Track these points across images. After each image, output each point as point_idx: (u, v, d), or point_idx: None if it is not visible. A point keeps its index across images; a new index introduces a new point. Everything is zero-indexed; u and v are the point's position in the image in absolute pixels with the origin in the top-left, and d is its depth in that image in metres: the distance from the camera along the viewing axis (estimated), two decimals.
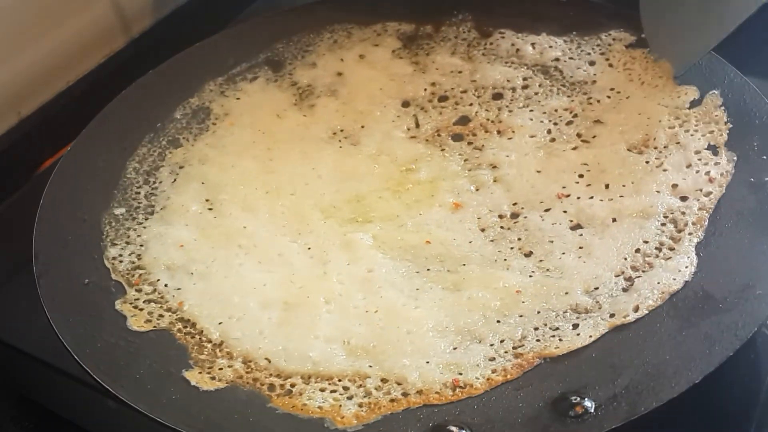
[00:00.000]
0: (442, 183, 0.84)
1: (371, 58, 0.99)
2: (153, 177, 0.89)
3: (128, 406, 0.65)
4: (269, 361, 0.70)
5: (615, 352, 0.66)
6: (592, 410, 0.62)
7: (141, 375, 0.69)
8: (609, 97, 0.89)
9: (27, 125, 1.03)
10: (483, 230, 0.79)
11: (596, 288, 0.72)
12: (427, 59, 0.98)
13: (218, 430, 0.65)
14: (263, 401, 0.67)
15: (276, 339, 0.72)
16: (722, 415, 0.70)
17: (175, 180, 0.88)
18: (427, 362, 0.68)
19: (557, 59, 0.94)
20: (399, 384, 0.67)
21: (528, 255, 0.76)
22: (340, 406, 0.66)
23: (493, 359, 0.68)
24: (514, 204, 0.81)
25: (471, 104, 0.92)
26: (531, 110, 0.90)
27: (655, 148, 0.82)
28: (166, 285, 0.78)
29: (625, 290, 0.71)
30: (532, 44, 0.96)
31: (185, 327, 0.74)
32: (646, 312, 0.69)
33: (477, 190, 0.83)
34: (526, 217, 0.79)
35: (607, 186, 0.80)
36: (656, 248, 0.74)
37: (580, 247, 0.75)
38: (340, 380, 0.68)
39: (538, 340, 0.69)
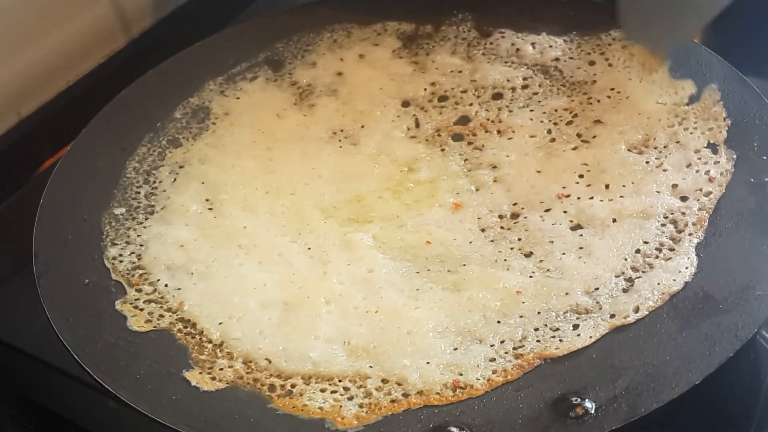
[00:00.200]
0: (442, 183, 0.84)
1: (371, 58, 0.99)
2: (153, 177, 0.89)
3: (128, 407, 0.66)
4: (270, 362, 0.70)
5: (615, 352, 0.66)
6: (593, 411, 0.62)
7: (141, 375, 0.69)
8: (609, 97, 0.89)
9: (27, 125, 1.03)
10: (483, 230, 0.79)
11: (596, 288, 0.72)
12: (427, 59, 0.98)
13: (218, 431, 0.65)
14: (264, 402, 0.67)
15: (276, 339, 0.72)
16: (722, 415, 0.70)
17: (175, 180, 0.88)
18: (428, 363, 0.68)
19: (557, 59, 0.94)
20: (399, 384, 0.67)
21: (528, 255, 0.76)
22: (341, 406, 0.66)
23: (493, 360, 0.68)
24: (514, 204, 0.81)
25: (471, 104, 0.92)
26: (531, 110, 0.90)
27: (655, 147, 0.82)
28: (166, 285, 0.78)
29: (625, 291, 0.71)
30: (532, 44, 0.96)
31: (185, 327, 0.74)
32: (647, 313, 0.69)
33: (477, 190, 0.83)
34: (526, 218, 0.79)
35: (607, 186, 0.80)
36: (656, 249, 0.74)
37: (581, 248, 0.75)
38: (340, 381, 0.68)
39: (538, 341, 0.69)
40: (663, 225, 0.75)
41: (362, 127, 0.92)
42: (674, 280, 0.70)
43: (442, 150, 0.88)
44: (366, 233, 0.80)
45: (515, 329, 0.70)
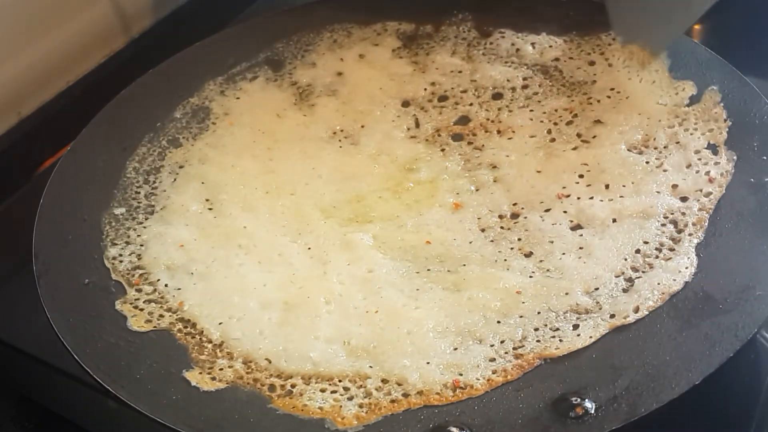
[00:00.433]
0: (442, 183, 0.84)
1: (371, 58, 0.99)
2: (153, 177, 0.89)
3: (128, 407, 0.65)
4: (270, 362, 0.70)
5: (615, 352, 0.66)
6: (593, 411, 0.62)
7: (141, 375, 0.69)
8: (609, 97, 0.89)
9: (27, 125, 1.03)
10: (483, 230, 0.79)
11: (596, 288, 0.72)
12: (427, 59, 0.98)
13: (218, 431, 0.65)
14: (264, 402, 0.67)
15: (276, 339, 0.72)
16: (722, 415, 0.70)
17: (175, 180, 0.88)
18: (428, 363, 0.68)
19: (557, 59, 0.94)
20: (399, 384, 0.67)
21: (528, 255, 0.76)
22: (341, 406, 0.66)
23: (493, 360, 0.68)
24: (514, 204, 0.81)
25: (471, 104, 0.92)
26: (531, 110, 0.90)
27: (655, 148, 0.82)
28: (166, 285, 0.78)
29: (625, 291, 0.71)
30: (532, 44, 0.96)
31: (185, 327, 0.74)
32: (647, 313, 0.69)
33: (477, 190, 0.83)
34: (526, 218, 0.79)
35: (607, 186, 0.80)
36: (656, 249, 0.74)
37: (580, 248, 0.75)
38: (340, 381, 0.68)
39: (538, 341, 0.69)
40: (663, 225, 0.75)
41: (362, 127, 0.92)
42: (674, 280, 0.70)
43: (442, 150, 0.88)
44: (366, 233, 0.80)
45: (515, 329, 0.70)
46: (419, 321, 0.71)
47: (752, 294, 0.67)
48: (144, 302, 0.76)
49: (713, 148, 0.80)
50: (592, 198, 0.79)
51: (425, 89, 0.95)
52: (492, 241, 0.78)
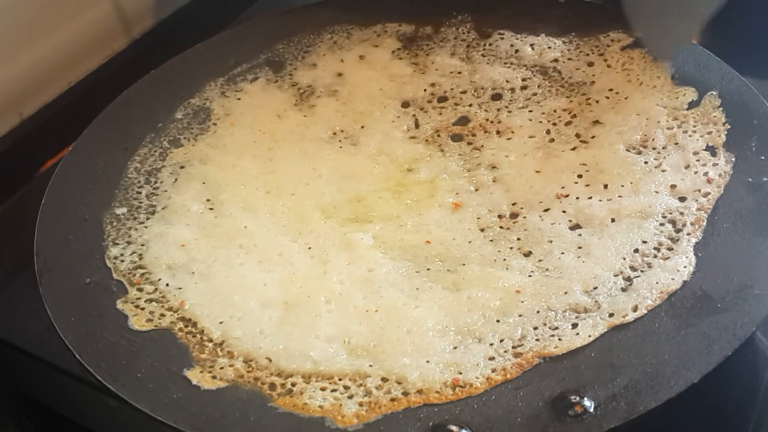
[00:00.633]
0: (442, 183, 0.85)
1: (371, 59, 1.00)
2: (154, 177, 0.89)
3: (129, 405, 0.66)
4: (270, 361, 0.70)
5: (614, 351, 0.67)
6: (592, 410, 0.62)
7: (142, 374, 0.69)
8: (608, 97, 0.89)
9: (29, 125, 1.04)
10: (482, 230, 0.79)
11: (595, 288, 0.72)
12: (426, 60, 0.98)
13: (219, 429, 0.65)
14: (264, 400, 0.68)
15: (277, 338, 0.72)
16: (721, 414, 0.70)
17: (176, 180, 0.89)
18: (427, 361, 0.68)
19: (556, 60, 0.95)
20: (399, 383, 0.67)
21: (527, 255, 0.76)
22: (341, 405, 0.66)
23: (492, 359, 0.68)
24: (514, 204, 0.81)
25: (470, 105, 0.92)
26: (530, 111, 0.90)
27: (654, 148, 0.82)
28: (167, 284, 0.78)
29: (624, 290, 0.71)
30: (531, 45, 0.97)
31: (186, 326, 0.74)
32: (645, 312, 0.69)
33: (476, 190, 0.83)
34: (525, 217, 0.79)
35: (605, 186, 0.80)
36: (655, 248, 0.74)
37: (579, 247, 0.75)
38: (340, 379, 0.68)
39: (537, 340, 0.69)
40: (661, 225, 0.76)
41: (362, 127, 0.92)
42: (673, 279, 0.71)
43: (442, 150, 0.88)
44: (366, 233, 0.80)
45: (514, 328, 0.70)
46: (419, 320, 0.72)
47: (750, 293, 0.67)
48: (145, 301, 0.76)
49: (712, 150, 0.80)
50: (590, 198, 0.79)
51: (425, 90, 0.95)
52: (491, 240, 0.78)
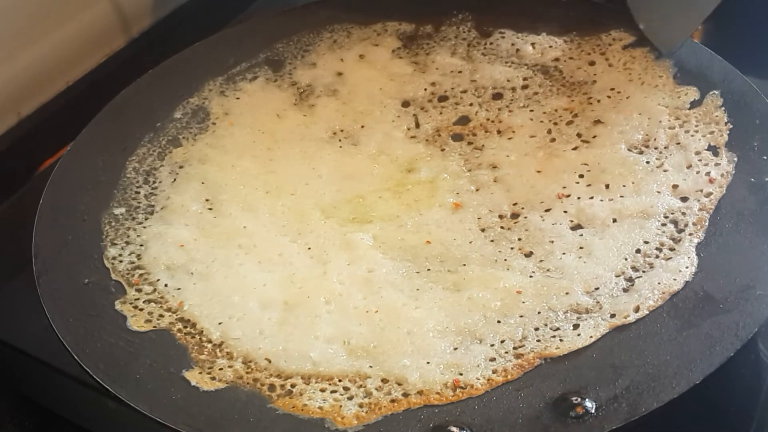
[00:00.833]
0: (442, 183, 0.84)
1: (371, 58, 0.99)
2: (153, 177, 0.89)
3: (128, 406, 0.66)
4: (269, 362, 0.70)
5: (615, 352, 0.66)
6: (593, 411, 0.62)
7: (141, 375, 0.69)
8: (609, 97, 0.89)
9: (27, 125, 1.03)
10: (483, 230, 0.79)
11: (597, 288, 0.72)
12: (427, 59, 0.98)
13: (218, 431, 0.65)
14: (263, 401, 0.67)
15: (276, 339, 0.71)
16: (723, 415, 0.70)
17: (175, 180, 0.88)
18: (428, 362, 0.68)
19: (557, 59, 0.94)
20: (399, 384, 0.67)
21: (528, 255, 0.76)
22: (341, 406, 0.66)
23: (493, 360, 0.68)
24: (515, 204, 0.81)
25: (471, 104, 0.92)
26: (531, 110, 0.90)
27: (656, 148, 0.82)
28: (166, 285, 0.78)
29: (625, 290, 0.71)
30: (532, 44, 0.96)
31: (185, 327, 0.74)
32: (647, 312, 0.69)
33: (477, 190, 0.83)
34: (526, 218, 0.79)
35: (607, 186, 0.80)
36: (657, 248, 0.74)
37: (581, 248, 0.75)
38: (340, 380, 0.68)
39: (538, 341, 0.69)
40: (663, 225, 0.75)
41: (362, 127, 0.92)
42: (675, 279, 0.70)
43: (442, 150, 0.88)
44: (366, 233, 0.80)
45: (515, 329, 0.70)
46: (419, 321, 0.71)
47: (753, 294, 0.67)
48: (144, 302, 0.76)
49: (714, 150, 0.80)
50: (592, 198, 0.79)
51: (425, 89, 0.95)
52: (492, 240, 0.78)
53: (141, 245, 0.81)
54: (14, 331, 0.82)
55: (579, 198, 0.79)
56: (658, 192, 0.78)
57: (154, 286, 0.78)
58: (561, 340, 0.68)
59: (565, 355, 0.67)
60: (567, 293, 0.72)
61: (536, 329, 0.70)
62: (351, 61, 0.99)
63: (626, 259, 0.73)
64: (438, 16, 1.02)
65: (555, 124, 0.88)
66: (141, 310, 0.75)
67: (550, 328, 0.69)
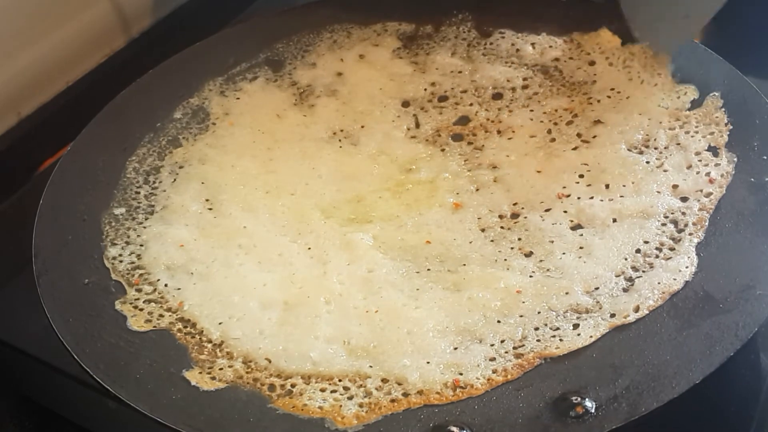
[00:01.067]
0: (442, 183, 0.84)
1: (371, 58, 0.99)
2: (153, 177, 0.89)
3: (128, 406, 0.66)
4: (269, 361, 0.70)
5: (615, 352, 0.66)
6: (593, 410, 0.62)
7: (141, 375, 0.69)
8: (609, 97, 0.89)
9: (27, 125, 1.03)
10: (483, 230, 0.79)
11: (597, 288, 0.72)
12: (427, 59, 0.98)
13: (218, 431, 0.65)
14: (263, 401, 0.67)
15: (276, 339, 0.71)
16: (723, 415, 0.70)
17: (175, 180, 0.88)
18: (428, 362, 0.68)
19: (557, 59, 0.94)
20: (399, 384, 0.67)
21: (528, 255, 0.76)
22: (341, 406, 0.66)
23: (493, 359, 0.68)
24: (514, 204, 0.81)
25: (471, 104, 0.92)
26: (531, 110, 0.90)
27: (656, 148, 0.82)
28: (166, 285, 0.78)
29: (625, 290, 0.71)
30: (532, 44, 0.96)
31: (185, 327, 0.74)
32: (647, 312, 0.69)
33: (477, 190, 0.83)
34: (526, 218, 0.79)
35: (607, 186, 0.80)
36: (656, 248, 0.74)
37: (581, 247, 0.75)
38: (340, 380, 0.68)
39: (538, 341, 0.69)
40: (663, 225, 0.75)
41: (362, 127, 0.92)
42: (674, 279, 0.70)
43: (442, 150, 0.88)
44: (366, 233, 0.80)
45: (515, 329, 0.70)
46: (419, 321, 0.71)
47: (753, 293, 0.67)
48: (144, 302, 0.76)
49: (714, 150, 0.80)
50: (592, 198, 0.79)
51: (425, 89, 0.95)
52: (492, 240, 0.78)
53: (141, 245, 0.81)
54: (14, 331, 0.83)
55: (579, 198, 0.79)
56: (658, 192, 0.78)
57: (154, 286, 0.78)
58: (561, 340, 0.68)
59: (565, 355, 0.67)
60: (567, 293, 0.72)
61: (536, 329, 0.69)
62: (351, 61, 0.99)
63: (626, 259, 0.73)
64: (438, 16, 1.02)
65: (555, 124, 0.88)
66: (141, 310, 0.75)
67: (550, 328, 0.69)
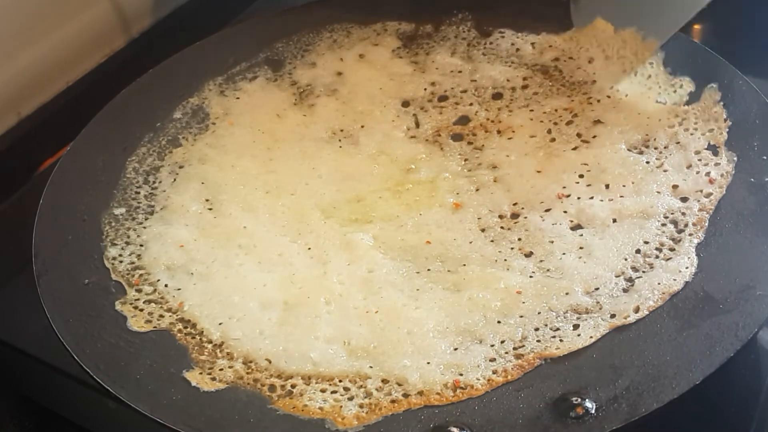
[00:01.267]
0: (442, 183, 0.84)
1: (371, 58, 0.99)
2: (153, 177, 0.89)
3: (128, 407, 0.65)
4: (270, 362, 0.70)
5: (616, 352, 0.66)
6: (593, 411, 0.62)
7: (141, 375, 0.69)
8: (609, 96, 0.89)
9: (27, 125, 1.03)
10: (483, 230, 0.79)
11: (597, 288, 0.72)
12: (426, 59, 0.98)
13: (218, 431, 0.65)
14: (264, 402, 0.67)
15: (276, 339, 0.71)
16: (723, 416, 0.70)
17: (174, 180, 0.88)
18: (428, 363, 0.68)
19: (557, 59, 0.94)
20: (400, 385, 0.67)
21: (528, 255, 0.76)
22: (341, 406, 0.66)
23: (493, 360, 0.68)
24: (515, 204, 0.81)
25: (471, 104, 0.92)
26: (531, 110, 0.90)
27: (656, 148, 0.82)
28: (166, 285, 0.78)
29: (625, 291, 0.71)
30: (532, 44, 0.96)
31: (185, 327, 0.74)
32: (647, 313, 0.69)
33: (477, 190, 0.83)
34: (526, 218, 0.79)
35: (607, 186, 0.80)
36: (656, 249, 0.74)
37: (581, 248, 0.75)
38: (340, 381, 0.68)
39: (538, 341, 0.69)
40: (663, 225, 0.75)
41: (362, 127, 0.92)
42: (674, 280, 0.70)
43: (442, 150, 0.88)
44: (366, 233, 0.80)
45: (515, 329, 0.70)
46: (419, 321, 0.71)
47: (753, 294, 0.67)
48: (144, 302, 0.76)
49: (713, 149, 0.80)
50: (592, 198, 0.79)
51: (425, 89, 0.95)
52: (492, 241, 0.78)
53: (141, 245, 0.81)
54: (14, 331, 0.82)
55: (579, 198, 0.79)
56: (658, 192, 0.78)
57: (154, 287, 0.78)
58: (561, 341, 0.68)
59: (565, 356, 0.67)
60: (567, 293, 0.72)
61: (536, 329, 0.70)
62: (351, 60, 0.99)
63: (626, 260, 0.73)
64: (438, 15, 1.02)
65: (555, 124, 0.88)
66: (141, 310, 0.75)
67: (550, 329, 0.69)
